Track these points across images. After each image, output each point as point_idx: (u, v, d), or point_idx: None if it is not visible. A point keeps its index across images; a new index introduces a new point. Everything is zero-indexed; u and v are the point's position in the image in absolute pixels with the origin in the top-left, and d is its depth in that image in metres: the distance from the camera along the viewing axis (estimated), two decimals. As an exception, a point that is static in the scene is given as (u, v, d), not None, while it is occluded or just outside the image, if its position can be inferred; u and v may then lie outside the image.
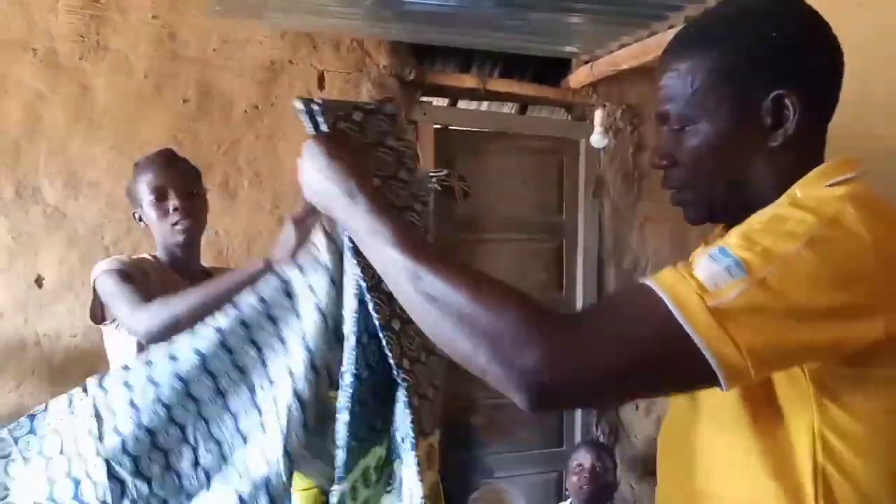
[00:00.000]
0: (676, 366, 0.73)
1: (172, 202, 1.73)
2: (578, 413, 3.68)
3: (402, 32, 3.04)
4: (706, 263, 0.74)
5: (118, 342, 1.73)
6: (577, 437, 3.67)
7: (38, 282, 2.69)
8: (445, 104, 3.64)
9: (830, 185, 0.83)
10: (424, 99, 3.39)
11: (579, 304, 3.66)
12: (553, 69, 3.56)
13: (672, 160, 0.92)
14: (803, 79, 0.86)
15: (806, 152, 0.89)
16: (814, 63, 0.88)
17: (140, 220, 1.81)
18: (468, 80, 3.42)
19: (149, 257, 1.83)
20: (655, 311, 0.72)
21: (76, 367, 2.67)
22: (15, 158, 2.66)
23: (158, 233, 1.79)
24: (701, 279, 0.72)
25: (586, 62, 3.37)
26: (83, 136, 2.74)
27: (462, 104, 3.71)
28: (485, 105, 3.83)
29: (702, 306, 0.71)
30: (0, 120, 2.65)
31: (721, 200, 0.90)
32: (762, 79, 0.85)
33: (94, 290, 1.70)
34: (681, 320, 0.71)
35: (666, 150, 0.92)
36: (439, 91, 3.49)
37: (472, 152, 3.50)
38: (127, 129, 2.79)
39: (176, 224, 1.74)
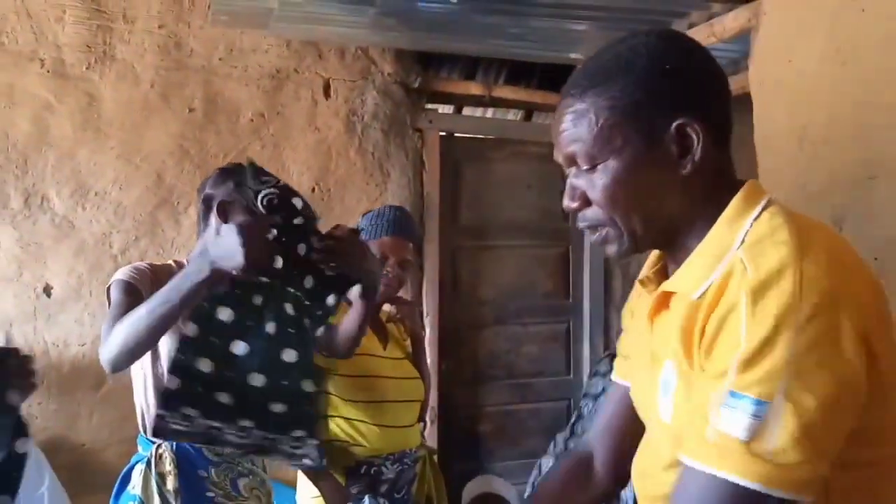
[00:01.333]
0: None
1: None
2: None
3: (408, 40, 3.05)
4: (731, 416, 0.75)
5: None
6: (585, 444, 3.66)
7: (47, 291, 2.70)
8: (451, 111, 3.66)
9: (757, 217, 0.85)
10: (430, 106, 3.40)
11: (586, 310, 3.66)
12: (558, 76, 3.56)
13: (585, 200, 0.93)
14: (700, 106, 0.88)
15: (716, 176, 0.90)
16: (706, 90, 0.90)
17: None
18: (473, 87, 3.43)
19: (173, 264, 1.81)
20: (731, 495, 0.75)
21: (84, 376, 2.69)
22: (23, 168, 2.68)
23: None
24: (740, 437, 0.74)
25: (591, 68, 3.37)
26: (90, 146, 2.76)
27: (467, 111, 3.72)
28: (490, 112, 3.84)
29: (759, 462, 0.73)
30: (8, 130, 2.67)
31: (641, 233, 0.91)
32: (662, 110, 0.87)
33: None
34: (757, 488, 0.73)
35: (577, 191, 0.93)
36: (445, 98, 3.50)
37: (477, 159, 3.50)
38: (134, 138, 2.80)
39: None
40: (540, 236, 3.63)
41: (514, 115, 3.86)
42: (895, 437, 0.82)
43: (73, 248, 2.72)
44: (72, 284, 2.72)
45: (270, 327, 1.47)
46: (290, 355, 1.49)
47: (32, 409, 2.64)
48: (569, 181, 0.95)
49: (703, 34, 2.68)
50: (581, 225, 0.96)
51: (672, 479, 0.88)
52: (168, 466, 1.65)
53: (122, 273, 1.67)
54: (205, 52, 2.90)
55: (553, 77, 3.57)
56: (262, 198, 1.47)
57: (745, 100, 2.15)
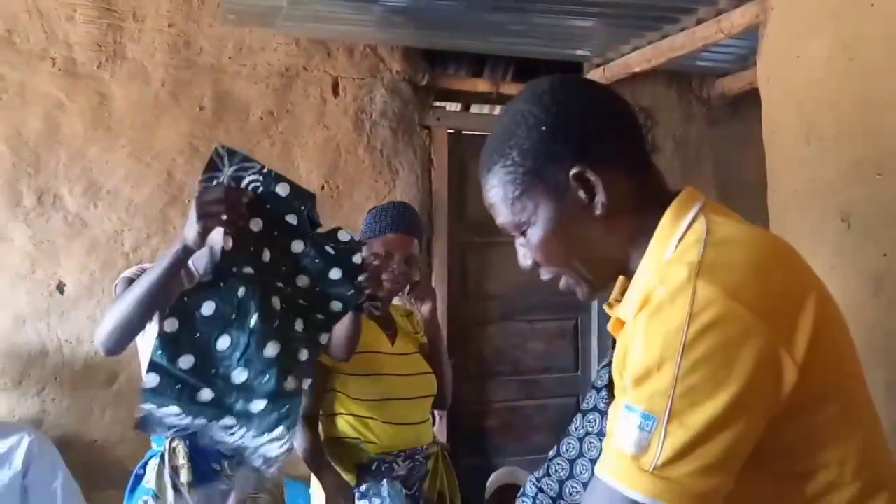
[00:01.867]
0: None
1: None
2: (593, 415, 3.67)
3: (416, 38, 3.07)
4: (624, 430, 0.78)
5: (144, 349, 1.76)
6: (593, 440, 3.66)
7: (60, 288, 2.73)
8: (458, 108, 3.67)
9: (683, 234, 0.86)
10: (438, 103, 3.41)
11: (594, 307, 3.66)
12: (565, 72, 3.57)
13: (534, 261, 0.97)
14: (591, 149, 0.90)
15: (638, 205, 0.91)
16: (590, 130, 0.91)
17: None
18: (481, 85, 3.44)
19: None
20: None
21: (97, 372, 2.72)
22: (35, 166, 2.71)
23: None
24: (629, 452, 0.77)
25: (598, 65, 3.38)
26: (102, 144, 2.78)
27: (475, 108, 3.74)
28: (497, 109, 3.85)
29: (645, 475, 0.75)
30: (20, 128, 2.70)
31: (593, 276, 0.95)
32: (555, 166, 0.90)
33: None
34: (640, 498, 0.75)
35: (524, 251, 0.98)
36: (452, 95, 3.51)
37: (485, 156, 3.50)
38: (144, 137, 2.83)
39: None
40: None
41: (521, 112, 3.87)
42: (836, 444, 0.83)
43: (86, 245, 2.75)
44: (84, 282, 2.74)
45: (254, 320, 1.46)
46: (272, 349, 1.47)
47: (46, 405, 2.68)
48: (516, 245, 1.00)
49: (710, 30, 2.68)
50: (544, 278, 1.00)
51: None
52: (181, 460, 1.67)
53: (128, 272, 1.70)
54: (214, 50, 2.92)
55: (560, 73, 3.57)
56: (248, 184, 1.45)
57: (753, 96, 2.15)
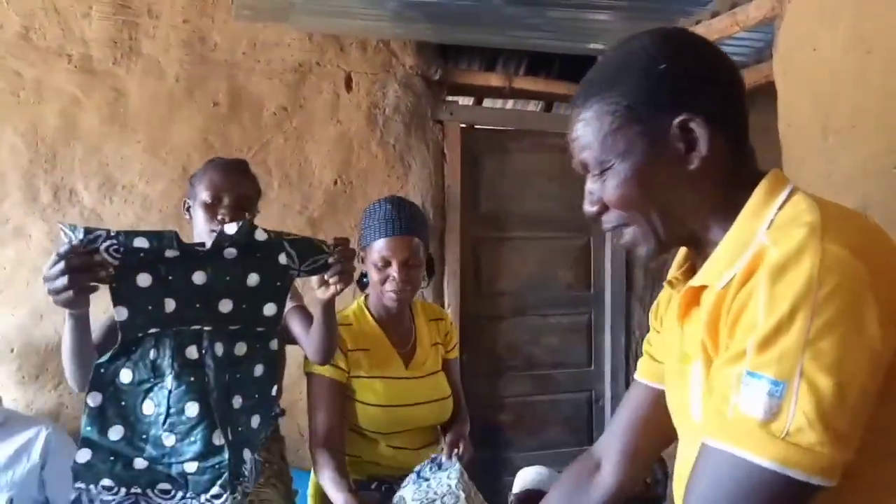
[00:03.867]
0: (793, 500, 0.75)
1: (223, 211, 1.71)
2: (607, 411, 3.67)
3: (428, 32, 3.06)
4: (749, 396, 0.75)
5: None
6: (606, 435, 3.66)
7: (76, 282, 2.75)
8: (471, 103, 3.66)
9: (781, 206, 0.85)
10: (450, 98, 3.41)
11: (608, 302, 3.66)
12: (578, 66, 3.55)
13: (602, 204, 0.95)
14: (702, 102, 0.89)
15: (731, 169, 0.91)
16: (708, 86, 0.90)
17: (188, 210, 1.82)
18: (494, 79, 3.44)
19: None
20: (747, 474, 0.75)
21: (113, 365, 2.74)
22: (52, 162, 2.73)
23: (197, 232, 1.80)
24: (758, 418, 0.74)
25: (612, 59, 3.36)
26: (117, 140, 2.80)
27: (488, 102, 3.73)
28: (510, 103, 3.84)
29: (776, 442, 0.73)
30: (37, 125, 2.72)
31: (663, 231, 0.92)
32: (663, 109, 0.88)
33: None
34: (773, 467, 0.73)
35: (594, 196, 0.95)
36: (465, 90, 3.51)
37: (498, 150, 3.51)
38: (159, 132, 2.84)
39: (213, 232, 1.73)
40: (561, 227, 3.63)
41: (534, 106, 3.86)
42: None
43: (101, 240, 2.77)
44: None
45: (168, 381, 1.40)
46: (192, 409, 1.40)
47: (63, 398, 2.70)
48: (586, 187, 0.97)
49: (726, 23, 2.66)
50: (605, 228, 0.97)
51: None
52: None
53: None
54: (228, 46, 2.94)
55: (573, 68, 3.56)
56: (106, 249, 1.34)
57: (770, 89, 2.13)
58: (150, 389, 1.40)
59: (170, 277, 1.38)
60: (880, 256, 0.78)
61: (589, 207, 0.97)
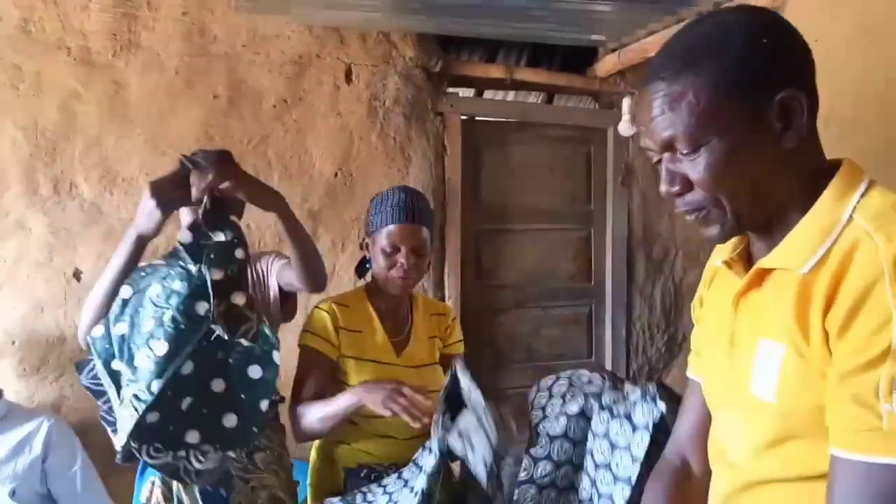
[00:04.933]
0: None
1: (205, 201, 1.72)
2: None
3: (429, 24, 3.05)
4: (885, 401, 0.73)
5: None
6: (607, 427, 3.66)
7: (77, 276, 2.75)
8: (472, 94, 3.65)
9: (864, 193, 0.85)
10: (451, 89, 3.40)
11: (608, 294, 3.66)
12: (580, 58, 3.54)
13: (686, 184, 0.90)
14: (799, 78, 0.87)
15: (815, 150, 0.90)
16: (802, 63, 0.89)
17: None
18: (494, 70, 3.42)
19: None
20: None
21: (114, 358, 2.74)
22: (52, 155, 2.73)
23: (184, 222, 1.80)
24: None
25: (613, 50, 3.35)
26: (117, 133, 2.80)
27: (488, 94, 3.71)
28: (511, 95, 3.83)
29: None
30: (37, 118, 2.71)
31: (747, 213, 0.90)
32: (765, 85, 0.85)
33: None
34: None
35: (677, 175, 0.90)
36: (466, 81, 3.49)
37: (498, 142, 3.50)
38: (159, 125, 2.84)
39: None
40: (562, 219, 3.62)
41: (535, 97, 3.85)
42: None
43: (102, 233, 2.77)
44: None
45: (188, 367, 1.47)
46: (255, 371, 1.48)
47: (64, 390, 2.71)
48: (665, 167, 0.92)
49: (727, 14, 2.64)
50: (681, 209, 0.93)
51: (769, 461, 0.88)
52: None
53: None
54: (228, 38, 2.93)
55: (574, 59, 3.55)
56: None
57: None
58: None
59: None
60: None
61: (670, 187, 0.91)
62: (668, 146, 0.90)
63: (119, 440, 1.51)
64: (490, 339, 3.51)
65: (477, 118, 3.50)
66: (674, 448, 1.17)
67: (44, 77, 2.72)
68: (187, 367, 1.45)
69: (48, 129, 2.72)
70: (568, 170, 3.62)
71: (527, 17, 2.91)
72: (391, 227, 1.79)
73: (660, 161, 0.93)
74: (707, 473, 1.10)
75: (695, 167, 0.88)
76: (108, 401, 1.52)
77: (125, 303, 1.48)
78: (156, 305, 1.47)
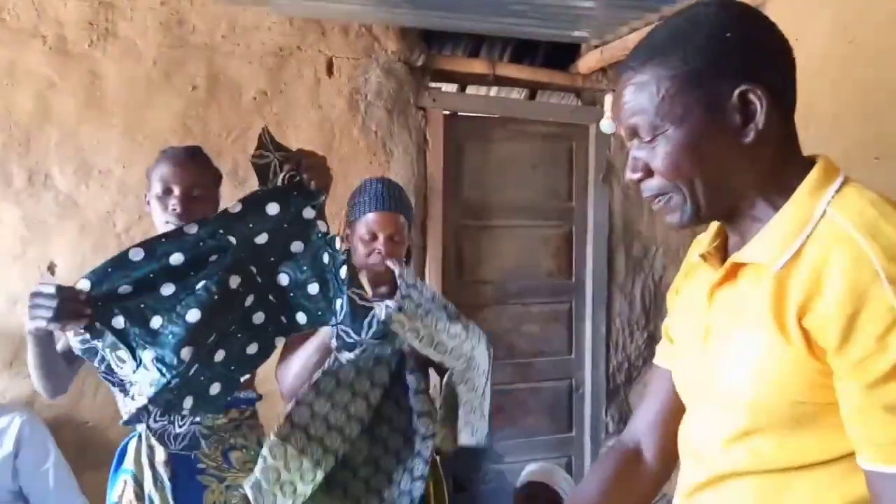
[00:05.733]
0: None
1: (173, 202, 1.71)
2: (587, 399, 3.69)
3: (411, 17, 3.03)
4: None
5: None
6: (587, 423, 3.68)
7: (51, 269, 2.71)
8: (454, 90, 3.63)
9: (837, 190, 0.85)
10: (433, 84, 3.38)
11: (588, 290, 3.66)
12: (562, 54, 3.54)
13: (647, 171, 0.93)
14: (762, 73, 0.88)
15: (780, 145, 0.90)
16: (768, 57, 0.89)
17: (149, 203, 1.81)
18: (477, 66, 3.41)
19: None
20: None
21: (89, 353, 2.70)
22: (26, 146, 2.68)
23: (156, 224, 1.78)
24: None
25: (596, 47, 3.35)
26: (93, 124, 2.75)
27: (471, 90, 3.70)
28: (494, 90, 3.81)
29: None
30: (10, 107, 2.66)
31: (705, 202, 0.91)
32: (724, 78, 0.87)
33: None
34: None
35: (639, 162, 0.93)
36: (448, 76, 3.48)
37: (481, 138, 3.49)
38: (137, 116, 2.79)
39: (167, 223, 1.71)
40: (543, 216, 3.62)
41: (518, 93, 3.84)
42: None
43: (77, 226, 2.73)
44: (76, 262, 2.72)
45: (200, 285, 1.44)
46: (193, 315, 1.42)
47: (37, 385, 2.66)
48: (631, 153, 0.95)
49: (709, 12, 2.65)
50: (646, 195, 0.96)
51: (737, 454, 0.89)
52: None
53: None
54: (207, 29, 2.89)
55: (557, 55, 3.55)
56: (285, 174, 1.50)
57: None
58: (181, 278, 1.43)
59: (285, 224, 1.47)
60: None
61: (632, 174, 0.95)
62: (633, 133, 0.93)
63: (128, 403, 1.48)
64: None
65: (459, 113, 3.48)
66: (629, 434, 1.19)
67: (18, 66, 2.67)
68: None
69: (22, 119, 2.67)
70: (549, 166, 3.61)
71: (510, 12, 2.90)
72: (370, 215, 1.82)
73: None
74: (660, 462, 1.13)
75: (654, 154, 0.91)
76: (104, 360, 1.47)
77: (134, 265, 1.42)
78: (181, 272, 1.43)
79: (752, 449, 0.88)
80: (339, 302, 1.48)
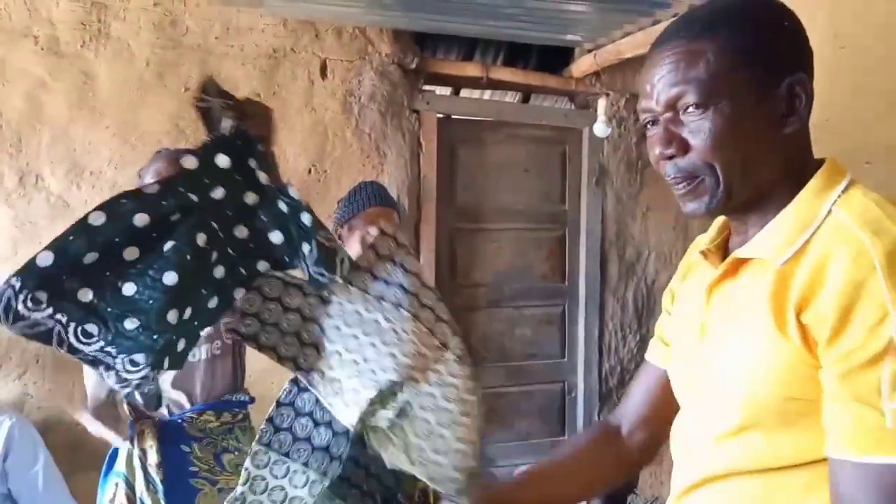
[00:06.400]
0: None
1: None
2: (580, 402, 3.69)
3: (405, 20, 3.03)
4: (889, 399, 0.73)
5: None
6: (579, 426, 3.68)
7: (42, 270, 2.69)
8: (448, 93, 3.63)
9: (844, 191, 0.86)
10: (427, 87, 3.38)
11: (581, 293, 3.67)
12: (556, 58, 3.55)
13: (683, 147, 0.88)
14: (808, 68, 0.89)
15: (806, 142, 0.92)
16: (810, 55, 0.91)
17: None
18: (471, 69, 3.41)
19: None
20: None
21: (79, 354, 2.69)
22: (17, 147, 2.67)
23: None
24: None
25: (589, 51, 3.35)
26: (85, 124, 2.74)
27: (465, 93, 3.70)
28: (487, 94, 3.82)
29: None
30: (2, 108, 2.65)
31: (737, 187, 0.88)
32: (780, 65, 0.87)
33: None
34: None
35: (675, 136, 0.88)
36: (442, 80, 3.48)
37: (474, 141, 3.49)
38: (129, 117, 2.79)
39: None
40: (536, 219, 3.63)
41: (511, 97, 3.85)
42: None
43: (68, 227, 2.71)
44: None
45: (167, 245, 1.35)
46: (170, 278, 1.35)
47: (27, 388, 2.65)
48: (664, 127, 0.89)
49: (702, 17, 2.66)
50: (671, 176, 0.91)
51: (731, 451, 0.89)
52: (149, 441, 1.66)
53: None
54: (201, 30, 2.88)
55: (550, 59, 3.56)
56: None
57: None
58: (144, 240, 1.33)
59: (237, 176, 1.39)
60: None
61: (664, 149, 0.89)
62: (673, 105, 0.88)
63: (110, 377, 1.44)
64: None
65: (453, 116, 3.48)
66: (614, 415, 1.21)
67: (9, 66, 2.66)
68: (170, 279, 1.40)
69: (13, 119, 2.66)
70: (543, 170, 3.62)
71: (503, 15, 2.90)
72: (370, 209, 1.91)
73: (653, 123, 0.91)
74: (637, 447, 1.15)
75: (699, 129, 0.87)
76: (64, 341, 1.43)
77: (96, 230, 1.37)
78: (144, 234, 1.40)
79: (745, 445, 0.88)
80: (305, 246, 1.46)
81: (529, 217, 3.61)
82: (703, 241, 1.04)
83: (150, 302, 1.35)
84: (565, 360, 3.70)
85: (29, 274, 1.33)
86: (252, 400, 1.90)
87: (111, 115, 2.77)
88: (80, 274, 1.34)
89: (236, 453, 1.76)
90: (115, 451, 1.76)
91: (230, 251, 1.45)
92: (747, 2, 0.92)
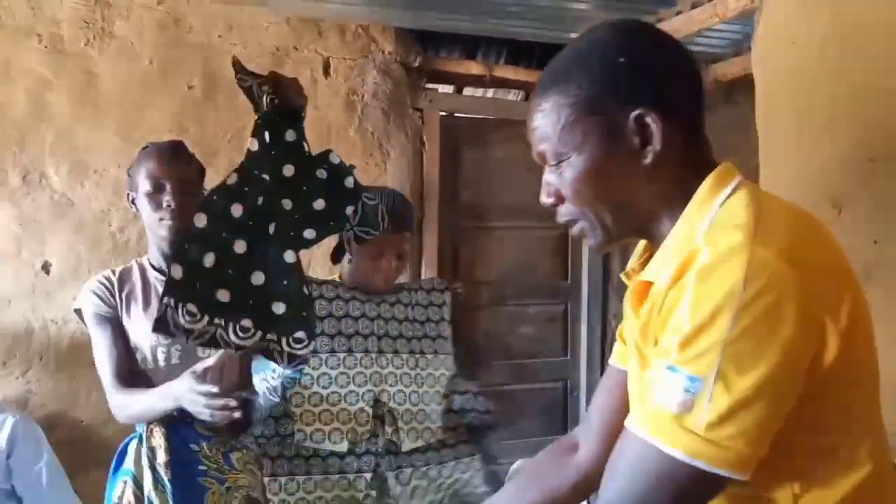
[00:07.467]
0: (698, 489, 0.80)
1: (167, 198, 1.70)
2: (583, 400, 3.69)
3: (408, 18, 3.03)
4: (666, 389, 0.79)
5: (131, 327, 1.75)
6: (582, 425, 3.68)
7: (46, 268, 2.70)
8: (451, 91, 3.64)
9: (724, 200, 0.86)
10: (430, 86, 3.38)
11: (584, 292, 3.67)
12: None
13: (558, 196, 0.95)
14: (657, 95, 0.88)
15: (684, 164, 0.90)
16: (663, 79, 0.90)
17: (133, 203, 1.79)
18: (474, 67, 3.41)
19: (135, 265, 1.83)
20: (658, 461, 0.79)
21: (83, 352, 2.67)
22: (21, 145, 2.67)
23: (146, 223, 1.78)
24: (672, 411, 0.78)
25: (592, 49, 3.35)
26: (89, 123, 2.74)
27: (467, 91, 3.70)
28: (490, 92, 3.82)
29: (687, 435, 0.77)
30: (5, 106, 2.66)
31: (612, 225, 0.93)
32: (619, 102, 0.88)
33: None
34: (680, 456, 0.77)
35: (551, 187, 0.96)
36: (445, 78, 3.48)
37: (477, 139, 3.49)
38: (132, 116, 2.79)
39: (163, 220, 1.71)
40: (539, 218, 3.60)
41: (514, 95, 3.84)
42: (860, 423, 0.84)
43: (72, 225, 2.72)
44: (70, 262, 2.72)
45: (272, 228, 1.44)
46: (290, 256, 1.45)
47: (31, 385, 2.66)
48: (543, 178, 0.97)
49: (706, 14, 2.67)
50: (560, 220, 0.98)
51: None
52: (158, 440, 1.66)
53: (89, 301, 1.73)
54: (204, 28, 2.88)
55: (553, 57, 3.55)
56: (270, 99, 1.47)
57: (747, 82, 2.14)
58: (247, 229, 1.44)
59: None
60: (811, 258, 0.80)
61: (546, 199, 0.97)
62: (543, 159, 0.96)
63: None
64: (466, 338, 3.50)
65: (456, 115, 3.48)
66: (579, 427, 1.23)
67: (13, 64, 2.67)
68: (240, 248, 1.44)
69: (17, 117, 2.67)
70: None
71: (506, 13, 2.90)
72: (382, 235, 1.80)
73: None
74: (592, 452, 1.14)
75: (562, 181, 0.93)
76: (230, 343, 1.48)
77: (201, 232, 1.41)
78: (243, 225, 1.45)
79: None
80: (350, 209, 1.51)
81: (532, 215, 3.58)
82: (631, 262, 1.06)
83: (285, 283, 1.42)
84: (568, 359, 3.70)
85: (173, 290, 1.38)
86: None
87: (115, 113, 2.77)
88: (209, 276, 1.39)
89: (244, 451, 1.76)
90: (125, 449, 1.76)
91: (276, 224, 1.48)
92: (589, 43, 0.94)
